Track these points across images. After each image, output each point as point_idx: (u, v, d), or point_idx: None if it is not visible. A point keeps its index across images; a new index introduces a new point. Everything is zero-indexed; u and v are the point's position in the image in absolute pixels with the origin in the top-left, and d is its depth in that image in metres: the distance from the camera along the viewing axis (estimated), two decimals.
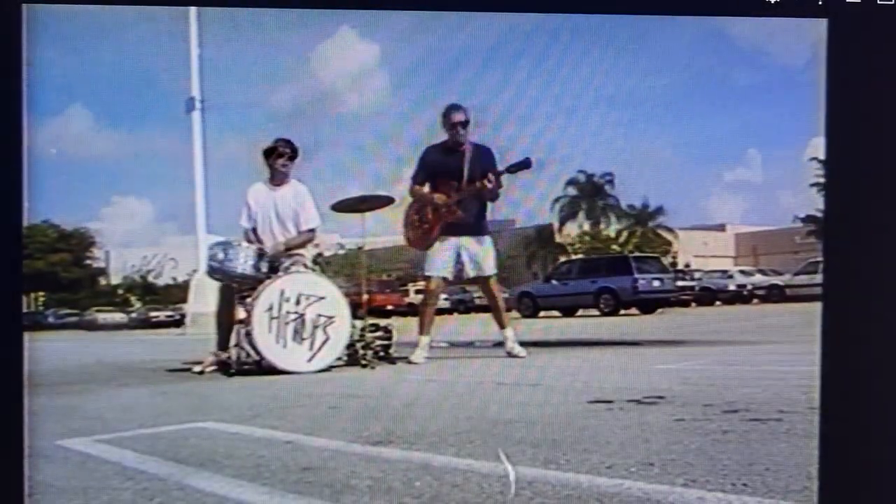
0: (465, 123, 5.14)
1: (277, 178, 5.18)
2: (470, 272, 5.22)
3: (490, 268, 5.24)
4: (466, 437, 2.65)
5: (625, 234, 11.42)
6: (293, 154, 5.18)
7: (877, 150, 2.30)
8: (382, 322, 5.34)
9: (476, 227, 5.24)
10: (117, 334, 9.51)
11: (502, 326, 5.21)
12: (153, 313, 9.99)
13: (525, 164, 5.13)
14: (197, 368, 4.88)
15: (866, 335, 2.27)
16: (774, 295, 9.91)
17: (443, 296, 6.11)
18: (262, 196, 5.20)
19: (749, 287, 10.43)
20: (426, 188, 5.30)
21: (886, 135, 2.30)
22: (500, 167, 5.16)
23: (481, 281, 5.28)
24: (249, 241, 5.12)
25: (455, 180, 5.17)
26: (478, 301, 9.71)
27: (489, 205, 5.26)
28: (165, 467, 2.36)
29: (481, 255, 5.21)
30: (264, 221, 5.17)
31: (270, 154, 5.15)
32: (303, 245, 5.19)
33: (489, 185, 5.07)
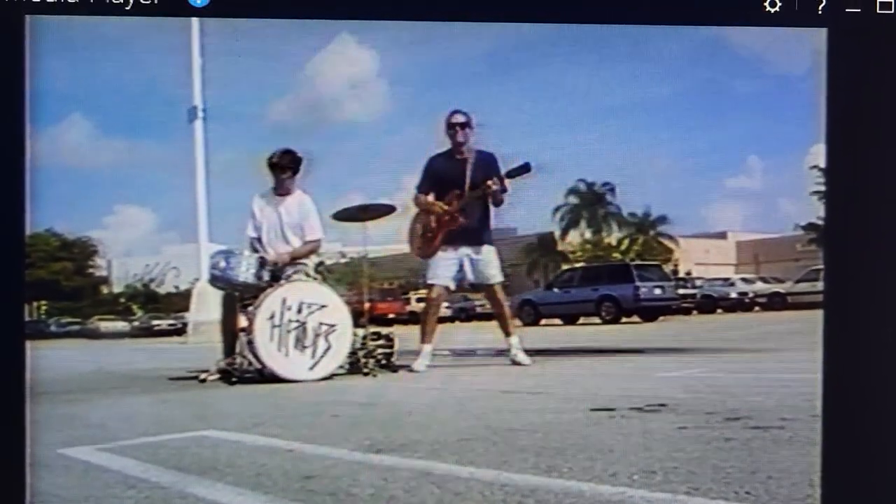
0: (464, 124, 5.14)
1: (282, 189, 5.18)
2: (473, 280, 5.22)
3: (495, 275, 5.23)
4: (468, 445, 2.64)
5: (626, 242, 11.39)
6: (296, 165, 5.18)
7: (877, 158, 2.30)
8: (384, 330, 5.33)
9: (478, 235, 5.24)
10: (119, 343, 9.49)
11: (507, 334, 5.20)
12: (155, 322, 9.97)
13: (524, 169, 5.13)
14: (203, 377, 4.87)
15: (868, 342, 2.26)
16: (776, 302, 9.89)
17: (444, 304, 6.10)
18: (266, 206, 5.20)
19: (751, 295, 10.41)
20: (430, 197, 5.30)
21: (886, 143, 2.30)
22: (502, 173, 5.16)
23: (486, 288, 5.28)
24: (255, 251, 5.11)
25: (458, 188, 5.17)
26: (479, 309, 9.70)
27: (491, 213, 5.26)
28: (167, 476, 2.35)
29: (484, 262, 5.21)
30: (269, 231, 5.16)
31: (274, 166, 5.15)
32: (307, 255, 5.18)
33: (494, 188, 5.07)
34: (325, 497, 2.07)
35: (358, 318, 5.10)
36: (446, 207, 5.19)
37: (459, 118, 5.15)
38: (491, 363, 5.31)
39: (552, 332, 9.10)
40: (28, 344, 2.28)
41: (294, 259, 5.11)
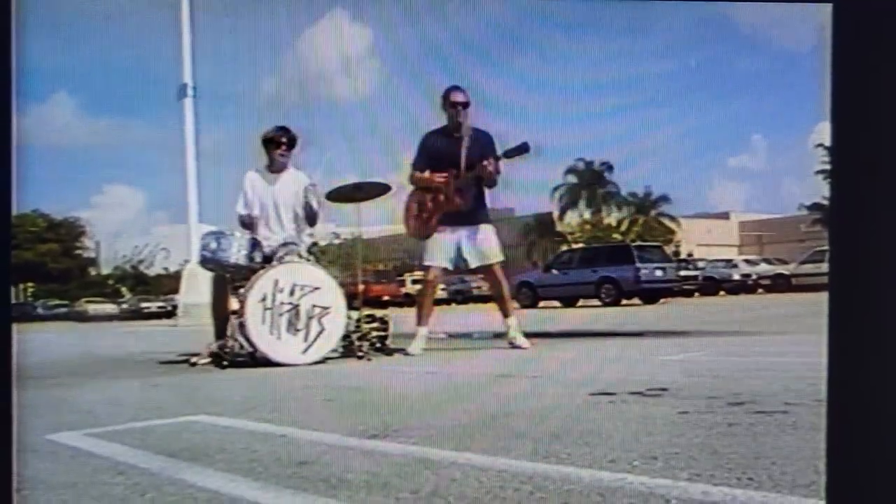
0: (465, 104, 5.07)
1: (276, 166, 5.15)
2: (471, 261, 5.16)
3: (494, 255, 5.18)
4: (465, 431, 2.62)
5: (626, 222, 11.38)
6: (291, 142, 5.15)
7: (884, 137, 2.25)
8: (379, 313, 5.30)
9: (476, 215, 5.18)
10: (108, 326, 9.47)
11: (506, 315, 5.15)
12: (144, 304, 9.95)
13: (523, 149, 5.06)
14: (193, 360, 4.83)
15: (874, 325, 2.22)
16: (780, 284, 9.91)
17: (440, 286, 6.07)
18: (259, 184, 5.17)
19: (754, 276, 10.43)
20: (426, 174, 5.22)
21: (893, 121, 2.25)
22: (499, 153, 5.09)
23: (485, 268, 5.22)
24: (245, 227, 5.08)
25: (454, 166, 5.10)
26: (476, 291, 9.69)
27: (487, 192, 5.20)
28: (157, 461, 2.32)
29: (482, 243, 5.15)
30: (263, 209, 5.13)
31: (269, 142, 5.11)
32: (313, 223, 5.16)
33: (488, 168, 5.00)
34: (317, 483, 2.03)
35: (352, 300, 5.06)
36: (442, 179, 5.10)
37: (460, 97, 5.07)
38: (488, 346, 5.28)
39: (551, 315, 9.08)
40: (14, 327, 2.24)
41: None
